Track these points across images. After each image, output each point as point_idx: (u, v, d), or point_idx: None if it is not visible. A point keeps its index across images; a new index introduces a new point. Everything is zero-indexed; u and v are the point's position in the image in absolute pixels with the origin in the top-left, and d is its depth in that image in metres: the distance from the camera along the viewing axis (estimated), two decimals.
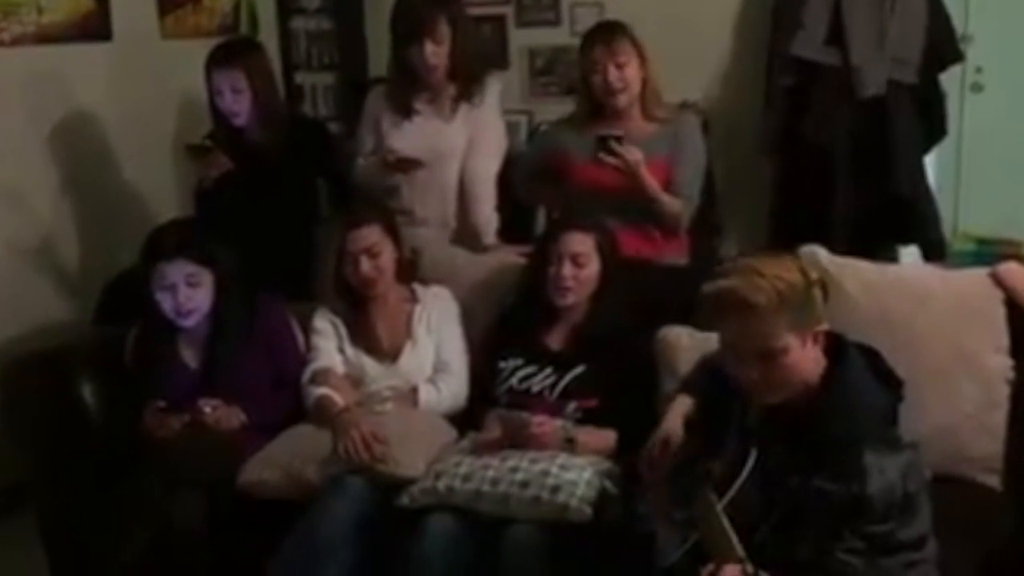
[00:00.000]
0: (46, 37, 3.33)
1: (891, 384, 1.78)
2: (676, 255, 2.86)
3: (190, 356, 2.52)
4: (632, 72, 2.74)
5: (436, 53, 2.80)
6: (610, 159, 2.65)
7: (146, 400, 2.42)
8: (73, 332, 3.11)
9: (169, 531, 2.20)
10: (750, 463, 1.72)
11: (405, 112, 2.91)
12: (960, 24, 3.95)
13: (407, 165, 2.86)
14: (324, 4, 4.51)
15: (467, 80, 2.88)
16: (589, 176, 2.78)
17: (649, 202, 2.73)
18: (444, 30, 2.78)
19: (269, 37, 4.38)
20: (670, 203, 2.75)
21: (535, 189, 3.13)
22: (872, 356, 1.81)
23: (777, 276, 1.68)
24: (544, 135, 3.29)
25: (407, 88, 2.91)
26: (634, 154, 2.65)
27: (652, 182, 2.71)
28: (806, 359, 1.72)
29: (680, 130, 2.83)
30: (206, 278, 2.46)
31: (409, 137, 2.89)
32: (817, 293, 1.73)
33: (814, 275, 1.75)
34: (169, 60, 3.70)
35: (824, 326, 1.75)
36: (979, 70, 4.73)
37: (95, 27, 3.51)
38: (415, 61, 2.82)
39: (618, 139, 2.66)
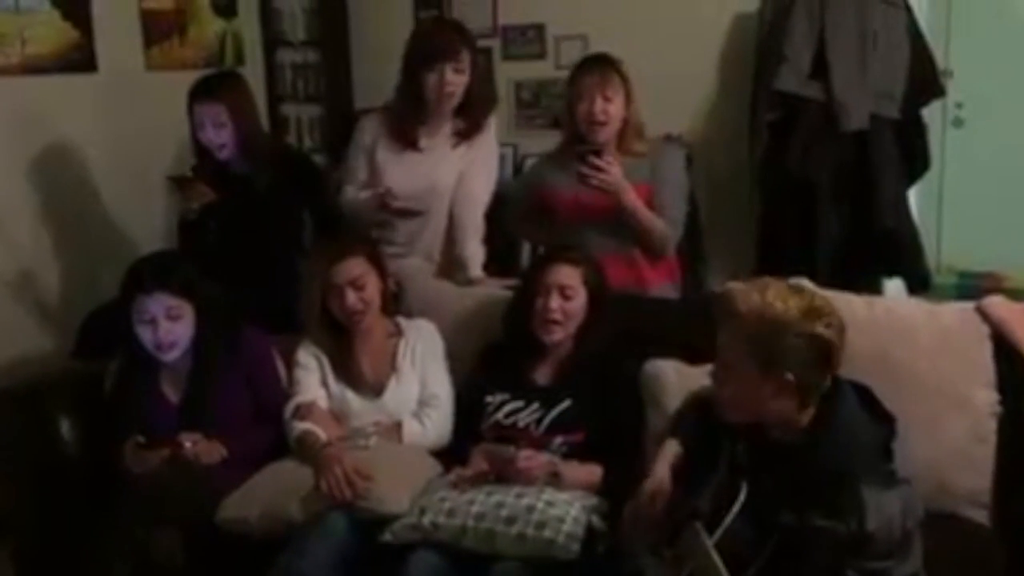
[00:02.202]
0: (31, 68, 3.33)
1: (883, 421, 1.78)
2: (664, 281, 2.86)
3: (171, 390, 2.49)
4: (616, 108, 2.75)
5: (454, 81, 2.80)
6: (590, 172, 2.66)
7: (126, 435, 2.39)
8: (53, 365, 3.08)
9: (148, 567, 2.17)
10: (740, 499, 1.70)
11: (406, 142, 2.90)
12: (941, 60, 4.00)
13: (407, 214, 2.85)
14: (310, 37, 4.53)
15: (474, 119, 2.89)
16: (573, 202, 2.79)
17: (632, 219, 2.73)
18: (466, 59, 2.81)
19: (255, 69, 4.40)
20: (653, 220, 2.75)
21: (526, 229, 3.14)
22: (864, 393, 1.81)
23: (770, 305, 1.69)
24: (529, 174, 3.30)
25: (411, 119, 2.90)
26: (613, 165, 2.66)
27: (634, 197, 2.71)
28: (761, 395, 1.71)
29: (659, 159, 2.84)
30: (187, 311, 2.43)
31: (406, 174, 2.88)
32: (800, 343, 1.69)
33: (818, 329, 1.70)
34: (154, 92, 3.70)
35: (795, 379, 1.71)
36: (959, 105, 4.80)
37: (80, 58, 3.50)
38: (431, 86, 2.81)
39: (596, 152, 2.68)
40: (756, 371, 1.70)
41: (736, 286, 1.76)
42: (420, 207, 2.86)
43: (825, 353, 1.71)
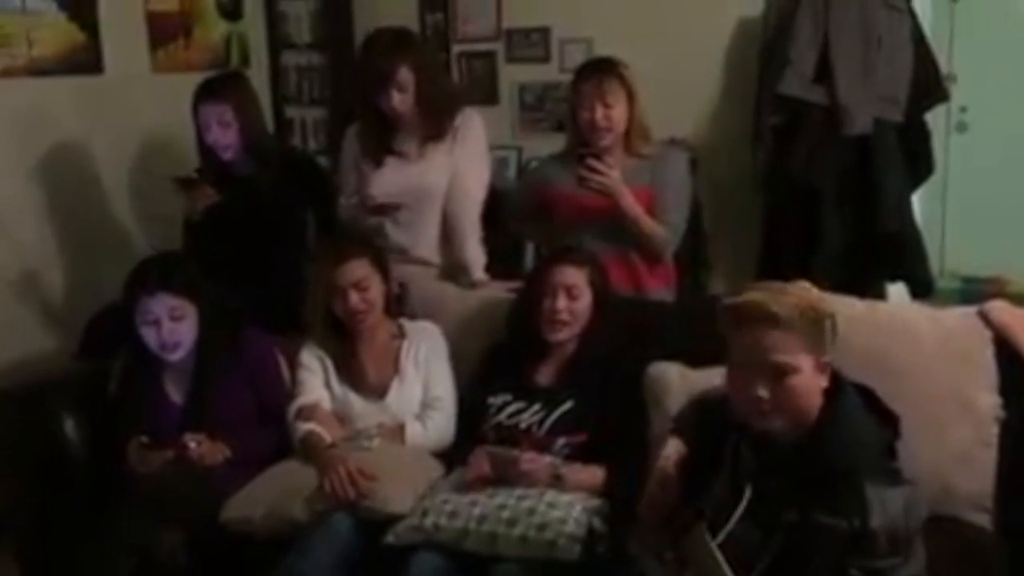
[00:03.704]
0: (37, 70, 3.34)
1: (887, 421, 1.78)
2: (661, 286, 2.87)
3: (175, 390, 2.50)
4: (619, 113, 2.75)
5: (403, 100, 2.80)
6: (588, 174, 2.67)
7: (130, 435, 2.40)
8: (57, 365, 3.08)
9: (151, 567, 2.18)
10: (745, 500, 1.71)
11: (379, 157, 2.90)
12: (944, 64, 4.00)
13: (385, 210, 2.85)
14: (315, 39, 4.54)
15: (436, 121, 2.88)
16: (573, 202, 2.79)
17: (630, 223, 2.73)
18: (407, 76, 2.78)
19: (260, 71, 4.41)
20: (652, 226, 2.75)
21: (526, 228, 3.13)
22: (866, 394, 1.81)
23: (801, 296, 1.74)
24: (531, 173, 3.30)
25: (379, 132, 2.90)
26: (613, 169, 2.67)
27: (632, 201, 2.71)
28: (813, 386, 1.74)
29: (662, 162, 2.84)
30: (190, 311, 2.44)
31: (388, 180, 2.88)
32: (829, 324, 1.76)
33: (828, 309, 1.78)
34: (160, 94, 3.70)
35: (830, 358, 1.76)
36: (964, 110, 4.80)
37: (86, 60, 3.51)
38: (383, 108, 2.82)
39: (595, 156, 2.69)
40: (812, 363, 1.73)
41: (755, 294, 1.75)
42: (397, 202, 2.85)
43: (835, 327, 1.78)
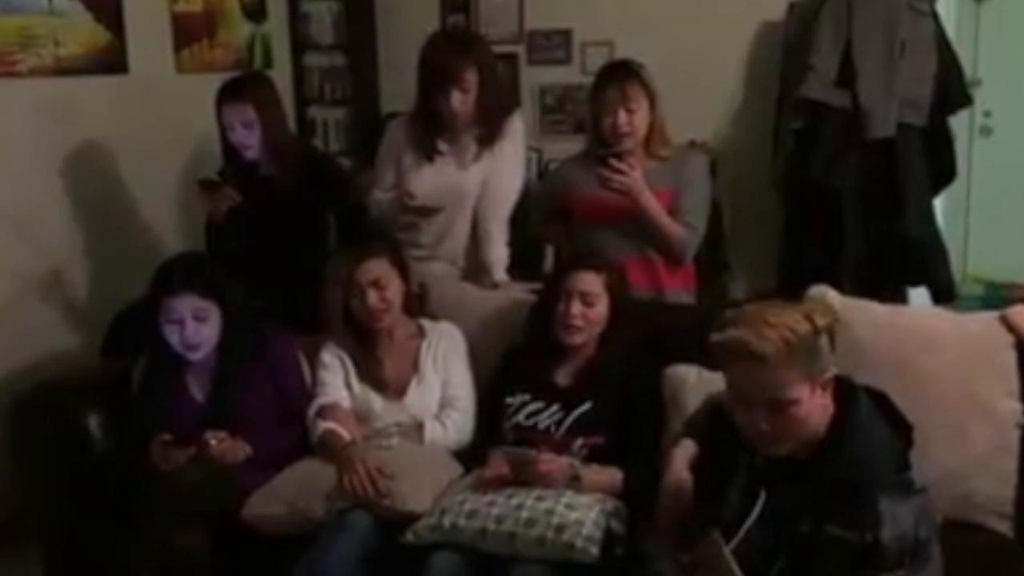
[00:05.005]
0: (63, 69, 3.38)
1: (900, 428, 1.77)
2: (680, 287, 2.87)
3: (197, 389, 2.52)
4: (641, 117, 2.76)
5: (464, 101, 2.81)
6: (610, 174, 2.67)
7: (152, 432, 2.42)
8: (81, 363, 3.12)
9: (173, 564, 2.19)
10: (759, 506, 1.70)
11: (427, 155, 2.92)
12: (969, 68, 3.97)
13: (426, 212, 2.87)
14: (337, 41, 4.57)
15: (491, 126, 2.89)
16: (594, 204, 2.79)
17: (650, 224, 2.73)
18: (472, 79, 2.79)
19: (283, 72, 4.44)
20: (672, 226, 2.75)
21: (547, 230, 3.14)
22: (880, 400, 1.80)
23: (785, 325, 1.67)
24: (552, 175, 3.31)
25: (430, 130, 2.91)
26: (634, 169, 2.67)
27: (653, 202, 2.71)
28: (815, 408, 1.72)
29: (684, 165, 2.85)
30: (213, 312, 2.46)
31: (429, 179, 2.89)
32: (824, 341, 1.72)
33: (821, 321, 1.72)
34: (184, 94, 3.74)
35: (832, 372, 1.74)
36: (988, 114, 4.76)
37: (111, 60, 3.56)
38: (441, 108, 2.83)
39: (618, 156, 2.69)
40: (808, 389, 1.70)
41: (738, 331, 1.70)
42: (438, 205, 2.86)
43: (833, 336, 1.74)
